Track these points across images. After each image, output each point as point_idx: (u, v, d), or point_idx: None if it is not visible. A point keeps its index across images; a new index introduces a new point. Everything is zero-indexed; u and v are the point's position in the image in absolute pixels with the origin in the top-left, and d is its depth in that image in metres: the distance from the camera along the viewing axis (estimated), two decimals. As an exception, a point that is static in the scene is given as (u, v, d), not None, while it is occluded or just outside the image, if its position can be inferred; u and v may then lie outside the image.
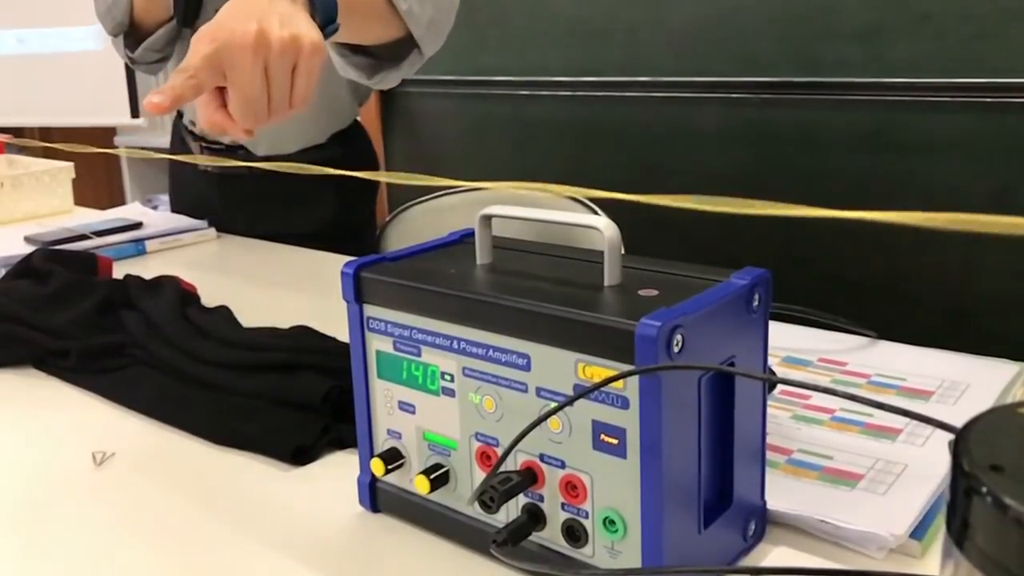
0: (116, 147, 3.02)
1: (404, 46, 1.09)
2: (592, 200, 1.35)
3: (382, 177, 0.68)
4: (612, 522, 0.47)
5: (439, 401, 0.54)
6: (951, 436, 0.30)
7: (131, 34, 1.29)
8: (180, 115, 1.48)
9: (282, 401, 0.72)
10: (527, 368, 0.49)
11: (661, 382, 0.44)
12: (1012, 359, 0.75)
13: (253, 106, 0.74)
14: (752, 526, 0.53)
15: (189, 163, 1.44)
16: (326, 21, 0.83)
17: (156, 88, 0.71)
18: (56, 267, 1.00)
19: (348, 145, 1.44)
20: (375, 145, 1.56)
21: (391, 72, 1.12)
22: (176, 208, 1.53)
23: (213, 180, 1.44)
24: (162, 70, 1.41)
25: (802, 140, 1.71)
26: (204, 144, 1.42)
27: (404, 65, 1.11)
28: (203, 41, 0.73)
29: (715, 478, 0.50)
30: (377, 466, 0.56)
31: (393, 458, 0.56)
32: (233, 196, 1.43)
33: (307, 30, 0.76)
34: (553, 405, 0.47)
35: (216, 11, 1.31)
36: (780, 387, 0.71)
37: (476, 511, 0.53)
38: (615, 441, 0.46)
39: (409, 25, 1.04)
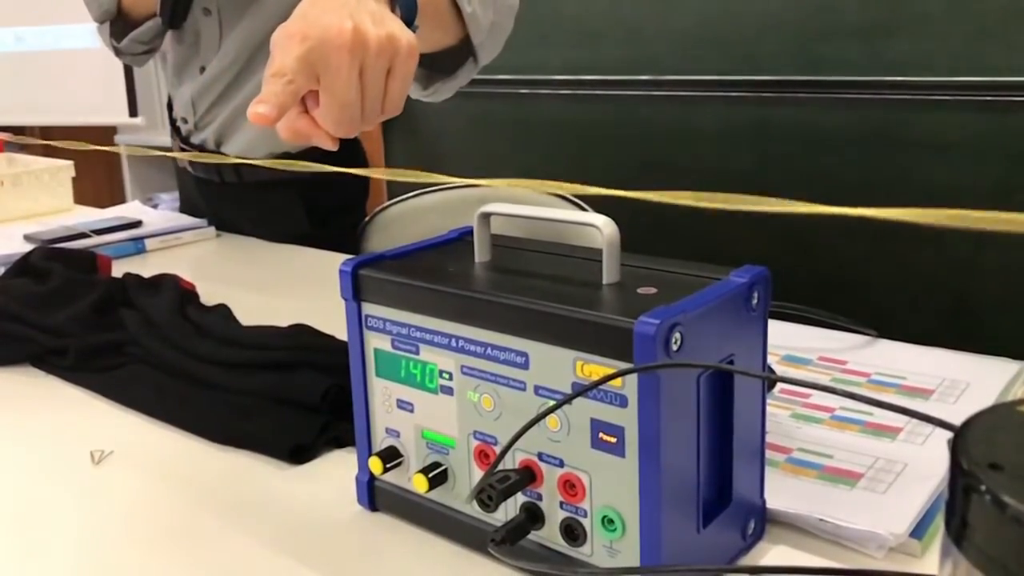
0: (116, 146, 3.01)
1: (458, 55, 1.04)
2: (592, 197, 1.34)
3: (361, 173, 0.67)
4: (611, 521, 0.47)
5: (437, 399, 0.54)
6: (951, 434, 0.30)
7: (118, 23, 1.27)
8: (171, 108, 1.44)
9: (281, 399, 0.72)
10: (526, 366, 0.49)
11: (660, 380, 0.43)
12: (1012, 358, 0.75)
13: (348, 112, 0.67)
14: (751, 525, 0.53)
15: (184, 164, 1.44)
16: (405, 23, 0.76)
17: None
18: (55, 265, 1.00)
19: (326, 157, 1.39)
20: (376, 143, 1.54)
21: (446, 82, 1.07)
22: (183, 208, 1.52)
23: (192, 181, 1.43)
24: (147, 62, 1.41)
25: (803, 139, 1.71)
26: (181, 143, 1.39)
27: (461, 74, 1.06)
28: (294, 40, 0.65)
29: (714, 477, 0.50)
30: (375, 465, 0.56)
31: (391, 456, 0.56)
32: (212, 200, 1.42)
33: (401, 30, 0.69)
34: (551, 403, 0.47)
35: (204, 12, 1.29)
36: (780, 385, 0.71)
37: (474, 510, 0.53)
38: (613, 440, 0.46)
39: (470, 29, 0.99)
